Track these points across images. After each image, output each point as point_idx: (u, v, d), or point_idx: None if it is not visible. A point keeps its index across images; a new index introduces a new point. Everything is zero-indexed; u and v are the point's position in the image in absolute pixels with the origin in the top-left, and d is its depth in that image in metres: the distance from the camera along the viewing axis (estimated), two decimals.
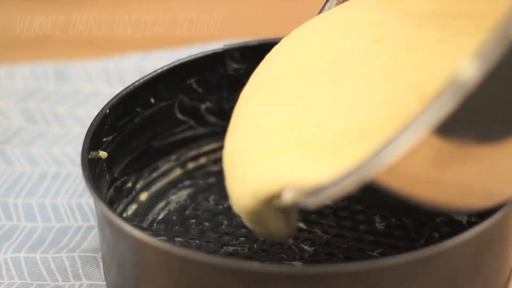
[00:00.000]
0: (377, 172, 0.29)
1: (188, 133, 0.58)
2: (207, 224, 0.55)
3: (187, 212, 0.56)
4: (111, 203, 0.54)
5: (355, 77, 0.34)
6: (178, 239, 0.54)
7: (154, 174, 0.57)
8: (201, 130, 0.59)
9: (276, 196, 0.32)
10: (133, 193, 0.56)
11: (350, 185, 0.29)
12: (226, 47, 0.57)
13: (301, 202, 0.31)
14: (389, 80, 0.34)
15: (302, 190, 0.31)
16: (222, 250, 0.53)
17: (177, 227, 0.55)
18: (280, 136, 0.33)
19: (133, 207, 0.56)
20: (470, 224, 0.54)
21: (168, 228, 0.55)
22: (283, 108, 0.34)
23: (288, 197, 0.32)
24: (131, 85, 0.54)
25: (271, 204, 0.33)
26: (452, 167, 0.32)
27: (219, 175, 0.59)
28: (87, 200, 0.59)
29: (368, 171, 0.29)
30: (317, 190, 0.30)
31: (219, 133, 0.59)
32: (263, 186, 0.32)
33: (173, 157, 0.58)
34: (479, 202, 0.39)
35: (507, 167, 0.35)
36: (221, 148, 0.59)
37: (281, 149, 0.32)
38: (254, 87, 0.38)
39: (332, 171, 0.30)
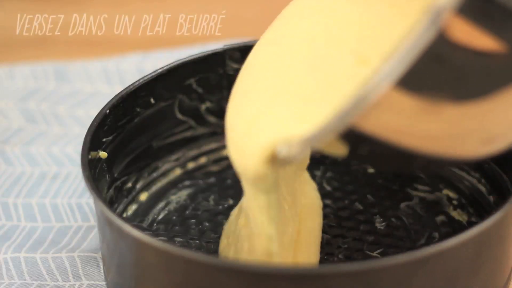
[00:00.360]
0: (355, 114, 0.33)
1: (188, 133, 0.58)
2: (207, 224, 0.55)
3: (187, 212, 0.56)
4: (111, 203, 0.54)
5: (314, 52, 0.40)
6: (178, 239, 0.54)
7: (154, 174, 0.58)
8: (201, 130, 0.59)
9: (274, 155, 0.36)
10: (133, 193, 0.56)
11: (330, 131, 0.34)
12: (226, 47, 0.57)
13: (294, 153, 0.36)
14: (334, 50, 0.40)
15: (292, 143, 0.36)
16: None
17: (177, 227, 0.55)
18: (265, 105, 0.38)
19: (133, 207, 0.56)
20: (470, 224, 0.54)
21: (168, 228, 0.55)
22: (265, 83, 0.40)
23: (282, 151, 0.36)
24: (131, 85, 0.54)
25: (273, 164, 0.37)
26: (431, 121, 0.35)
27: (219, 175, 0.59)
28: (87, 200, 0.59)
29: (345, 117, 0.33)
30: (304, 140, 0.35)
31: (219, 133, 0.59)
32: (260, 149, 0.37)
33: (173, 157, 0.58)
34: (468, 153, 0.39)
35: (491, 121, 0.37)
36: (221, 148, 0.60)
37: (266, 116, 0.38)
38: (246, 66, 0.43)
39: (311, 124, 0.35)
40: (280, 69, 0.41)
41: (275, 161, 0.37)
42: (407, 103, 0.35)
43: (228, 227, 0.53)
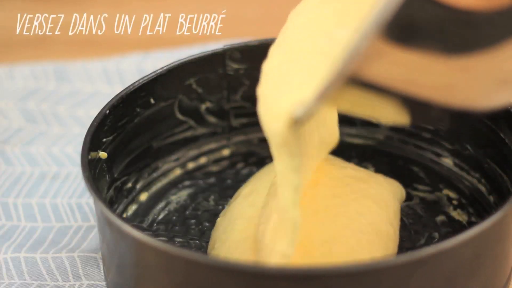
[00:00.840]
0: (350, 66, 0.38)
1: (188, 133, 0.58)
2: (207, 224, 0.55)
3: (187, 212, 0.56)
4: (111, 204, 0.54)
5: (315, 35, 0.47)
6: (178, 239, 0.54)
7: (154, 174, 0.58)
8: (201, 130, 0.59)
9: (293, 117, 0.42)
10: (133, 193, 0.56)
11: (333, 84, 0.39)
12: (226, 47, 0.57)
13: (309, 109, 0.41)
14: (325, 32, 0.47)
15: (305, 103, 0.42)
16: None
17: (177, 227, 0.55)
18: (283, 81, 0.45)
19: (133, 207, 0.56)
20: (470, 224, 0.54)
21: (168, 228, 0.55)
22: (283, 64, 0.47)
23: (298, 111, 0.42)
24: (131, 85, 0.54)
25: (294, 126, 0.43)
26: (437, 72, 0.39)
27: (219, 175, 0.59)
28: (87, 200, 0.59)
29: (342, 69, 0.38)
30: (314, 97, 0.41)
31: (219, 133, 0.59)
32: (281, 114, 0.43)
33: (173, 157, 0.58)
34: (484, 99, 0.41)
35: (502, 65, 0.39)
36: (221, 148, 0.60)
37: (284, 90, 0.44)
38: (274, 47, 0.48)
39: (316, 85, 0.41)
40: (294, 51, 0.47)
41: (295, 122, 0.42)
42: (411, 57, 0.38)
43: (215, 232, 0.53)
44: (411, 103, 0.40)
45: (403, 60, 0.38)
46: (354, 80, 0.38)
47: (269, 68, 0.46)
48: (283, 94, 0.44)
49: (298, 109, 0.42)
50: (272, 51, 0.48)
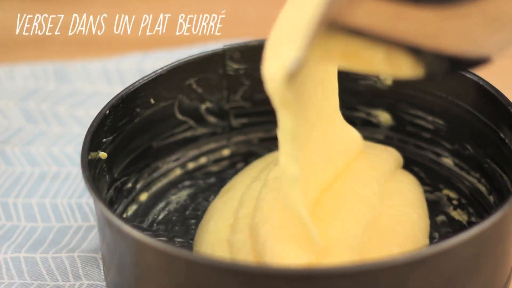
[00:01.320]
0: (327, 16, 0.40)
1: (188, 133, 0.58)
2: None
3: (187, 212, 0.56)
4: (111, 204, 0.54)
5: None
6: (178, 239, 0.54)
7: (154, 174, 0.58)
8: (201, 130, 0.59)
9: (287, 73, 0.44)
10: (133, 194, 0.56)
11: (315, 32, 0.41)
12: (226, 47, 0.57)
13: (297, 60, 0.43)
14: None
15: (293, 55, 0.43)
16: None
17: (177, 227, 0.55)
18: (279, 45, 0.47)
19: (133, 208, 0.56)
20: (470, 224, 0.54)
21: (168, 228, 0.55)
22: (281, 30, 0.48)
23: (290, 64, 0.43)
24: (131, 85, 0.54)
25: (290, 79, 0.44)
26: (426, 22, 0.40)
27: (219, 175, 0.59)
28: (87, 200, 0.59)
29: (320, 20, 0.40)
30: (301, 48, 0.43)
31: (219, 133, 0.59)
32: (277, 72, 0.44)
33: (173, 157, 0.58)
34: (477, 43, 0.42)
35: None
36: (221, 148, 0.60)
37: (279, 53, 0.46)
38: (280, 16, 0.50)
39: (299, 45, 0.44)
40: (289, 19, 0.48)
41: (290, 75, 0.43)
42: (396, 6, 0.39)
43: (196, 235, 0.53)
44: (407, 52, 0.41)
45: (388, 9, 0.39)
46: (338, 26, 0.40)
47: (271, 37, 0.48)
48: (278, 53, 0.45)
49: (289, 62, 0.43)
50: (275, 24, 0.49)
